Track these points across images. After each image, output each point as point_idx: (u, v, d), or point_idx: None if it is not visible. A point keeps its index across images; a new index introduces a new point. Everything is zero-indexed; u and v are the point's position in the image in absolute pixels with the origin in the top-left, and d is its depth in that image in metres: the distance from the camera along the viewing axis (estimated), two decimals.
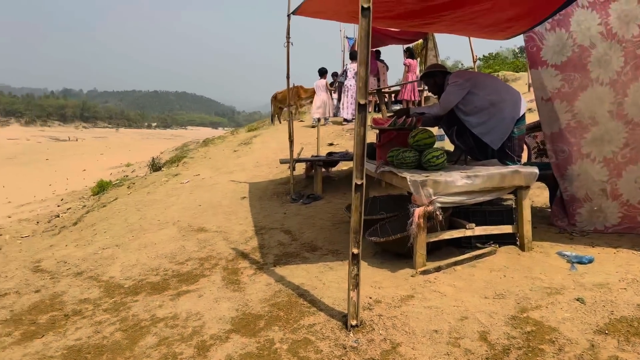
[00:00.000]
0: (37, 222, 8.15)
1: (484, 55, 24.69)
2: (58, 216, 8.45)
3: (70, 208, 9.25)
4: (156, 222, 5.63)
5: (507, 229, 3.62)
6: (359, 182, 2.47)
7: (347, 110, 11.86)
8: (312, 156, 7.07)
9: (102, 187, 10.33)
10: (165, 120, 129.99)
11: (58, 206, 10.30)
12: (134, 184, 9.23)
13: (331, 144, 9.33)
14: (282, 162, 6.93)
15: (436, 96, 4.68)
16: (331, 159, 6.62)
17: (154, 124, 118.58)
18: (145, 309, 3.16)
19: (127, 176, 13.45)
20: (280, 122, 14.93)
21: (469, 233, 3.52)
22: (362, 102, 2.42)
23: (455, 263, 3.33)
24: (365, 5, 2.32)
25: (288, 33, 5.50)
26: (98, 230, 5.81)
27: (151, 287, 3.58)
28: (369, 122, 2.90)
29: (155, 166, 11.32)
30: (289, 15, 5.24)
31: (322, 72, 12.77)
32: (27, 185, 15.65)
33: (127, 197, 7.76)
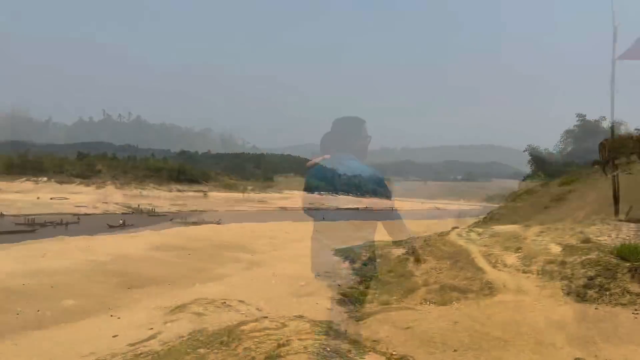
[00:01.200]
0: None
1: None
2: None
3: None
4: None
5: None
6: None
7: None
8: None
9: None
10: (471, 172, 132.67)
11: None
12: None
13: None
14: None
15: None
16: None
17: (459, 177, 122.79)
18: None
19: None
20: (606, 175, 12.97)
21: None
22: None
23: None
24: None
25: (612, 79, 5.00)
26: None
27: None
28: None
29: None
30: (613, 61, 4.76)
31: None
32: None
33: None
